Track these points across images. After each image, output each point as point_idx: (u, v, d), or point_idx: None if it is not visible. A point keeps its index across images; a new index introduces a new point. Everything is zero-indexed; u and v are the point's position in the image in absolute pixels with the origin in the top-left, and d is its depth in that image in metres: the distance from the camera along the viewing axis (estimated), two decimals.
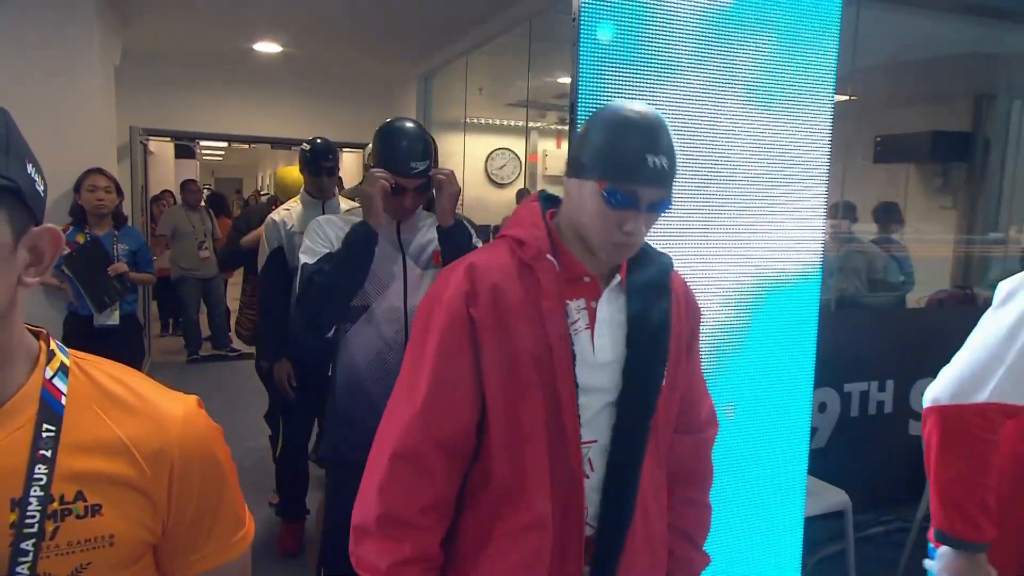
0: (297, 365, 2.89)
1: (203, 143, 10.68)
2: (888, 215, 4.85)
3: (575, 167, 1.15)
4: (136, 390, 0.78)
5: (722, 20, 1.71)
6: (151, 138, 7.06)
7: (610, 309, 1.19)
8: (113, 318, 3.37)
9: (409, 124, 1.87)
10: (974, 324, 1.42)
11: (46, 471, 0.69)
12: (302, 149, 3.02)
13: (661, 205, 1.12)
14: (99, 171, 3.47)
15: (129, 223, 3.83)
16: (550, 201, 1.26)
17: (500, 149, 7.68)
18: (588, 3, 1.60)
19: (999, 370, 1.29)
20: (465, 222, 1.96)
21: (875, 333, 3.51)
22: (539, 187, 7.20)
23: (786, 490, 1.96)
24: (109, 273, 3.35)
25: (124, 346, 3.40)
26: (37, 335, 0.76)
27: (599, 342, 1.17)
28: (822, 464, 2.63)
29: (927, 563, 1.41)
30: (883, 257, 4.72)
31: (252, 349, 6.71)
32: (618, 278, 1.20)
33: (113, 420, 0.75)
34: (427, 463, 1.11)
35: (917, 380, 3.45)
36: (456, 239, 1.83)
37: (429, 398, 1.11)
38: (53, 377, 0.73)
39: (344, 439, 1.87)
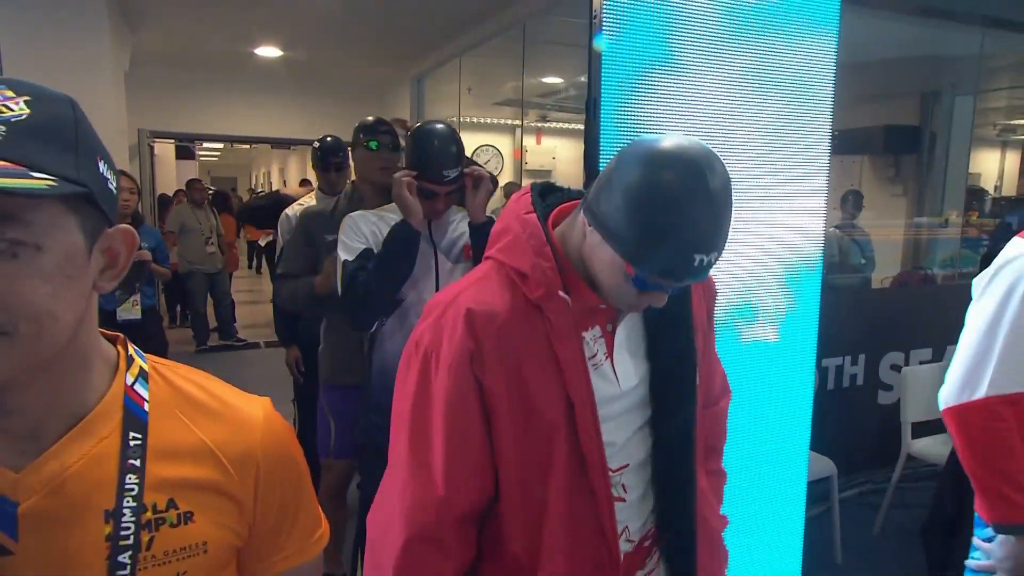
0: (306, 352, 2.85)
1: (201, 144, 10.46)
2: (855, 203, 4.89)
3: (597, 216, 0.87)
4: (215, 393, 0.72)
5: (729, 16, 1.67)
6: (156, 140, 6.88)
7: (627, 328, 0.99)
8: (134, 312, 3.26)
9: (440, 127, 1.77)
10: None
11: (137, 481, 0.62)
12: (313, 147, 2.97)
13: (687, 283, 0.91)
14: (123, 173, 3.39)
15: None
16: (544, 196, 1.01)
17: (484, 145, 7.61)
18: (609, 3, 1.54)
19: (990, 365, 1.27)
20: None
21: (847, 312, 3.52)
22: (522, 181, 7.15)
23: (790, 460, 1.95)
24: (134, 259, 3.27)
25: (148, 339, 3.30)
26: (114, 340, 0.69)
27: (621, 369, 0.97)
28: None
29: (970, 563, 1.37)
30: (847, 241, 4.76)
31: (258, 339, 6.59)
32: None
33: (197, 425, 0.68)
34: (446, 542, 0.92)
35: (885, 354, 3.49)
36: (488, 235, 1.77)
37: (448, 479, 0.90)
38: (134, 383, 0.66)
39: (378, 427, 1.81)
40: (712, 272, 0.90)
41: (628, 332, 0.98)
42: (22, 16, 3.21)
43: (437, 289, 1.80)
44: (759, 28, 1.70)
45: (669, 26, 1.60)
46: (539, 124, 7.74)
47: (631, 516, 1.00)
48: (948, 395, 1.31)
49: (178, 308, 7.50)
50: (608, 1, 1.54)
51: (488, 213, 1.85)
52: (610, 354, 0.96)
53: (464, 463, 0.92)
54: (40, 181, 0.53)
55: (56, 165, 0.55)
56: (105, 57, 3.64)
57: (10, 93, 0.56)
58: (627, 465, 0.99)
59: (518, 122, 7.18)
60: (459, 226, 1.87)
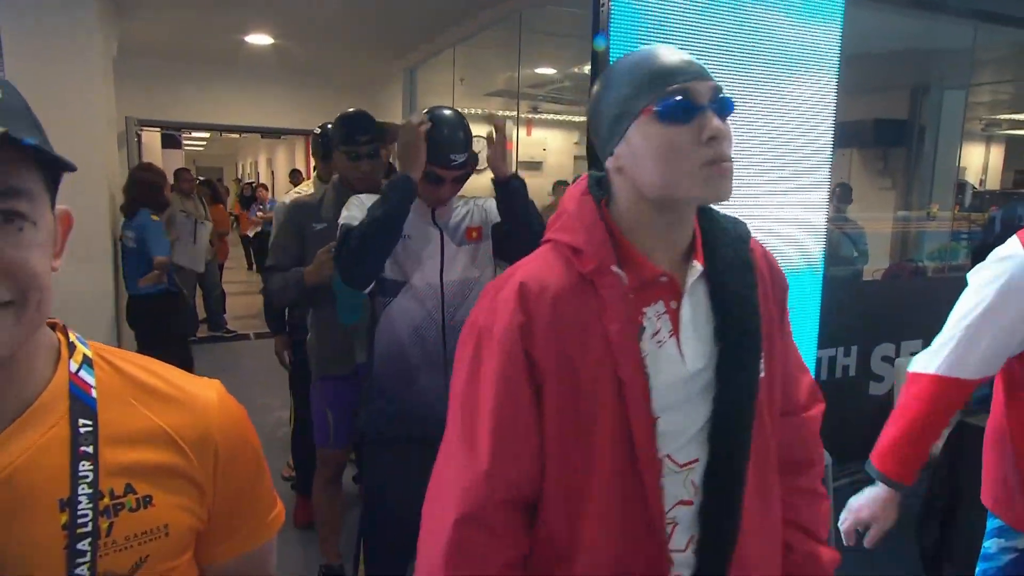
0: (296, 344, 2.85)
1: (186, 132, 10.34)
2: (842, 195, 4.92)
3: (609, 136, 0.91)
4: (166, 378, 0.71)
5: (734, 7, 1.66)
6: (144, 129, 6.78)
7: (694, 305, 0.94)
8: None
9: (449, 113, 1.74)
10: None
11: (91, 468, 0.62)
12: (313, 134, 2.95)
13: (726, 101, 0.88)
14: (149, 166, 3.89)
15: None
16: (600, 186, 0.98)
17: (475, 136, 7.56)
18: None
19: (948, 346, 1.32)
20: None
21: (840, 303, 3.55)
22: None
23: None
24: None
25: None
26: (53, 326, 0.68)
27: (688, 349, 0.92)
28: None
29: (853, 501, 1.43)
30: (838, 234, 4.79)
31: (248, 330, 6.54)
32: (698, 268, 0.93)
33: (151, 410, 0.68)
34: (497, 525, 0.89)
35: (877, 345, 3.52)
36: (515, 197, 1.71)
37: (493, 454, 0.88)
38: (79, 370, 0.65)
39: (381, 412, 1.79)
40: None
41: (694, 310, 0.93)
42: (9, 2, 3.14)
43: (442, 271, 1.77)
44: (766, 15, 1.70)
45: (670, 20, 1.59)
46: (530, 116, 7.70)
47: (694, 526, 0.92)
48: (915, 361, 1.39)
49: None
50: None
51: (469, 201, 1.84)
52: (676, 332, 0.92)
53: (512, 439, 0.89)
54: (48, 150, 0.56)
55: (38, 140, 0.57)
56: (94, 44, 3.58)
57: None
58: (697, 460, 0.91)
59: (511, 113, 7.15)
60: (461, 211, 1.85)
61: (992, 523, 1.34)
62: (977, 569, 1.41)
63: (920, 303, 3.82)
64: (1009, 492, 1.33)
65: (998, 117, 9.42)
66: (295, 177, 9.15)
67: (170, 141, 9.97)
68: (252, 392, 4.30)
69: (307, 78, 6.79)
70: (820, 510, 1.06)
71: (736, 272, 0.95)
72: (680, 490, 0.92)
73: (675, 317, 0.92)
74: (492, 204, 1.85)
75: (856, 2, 3.87)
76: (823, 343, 3.38)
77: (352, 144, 2.13)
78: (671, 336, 0.91)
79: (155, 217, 3.71)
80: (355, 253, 1.65)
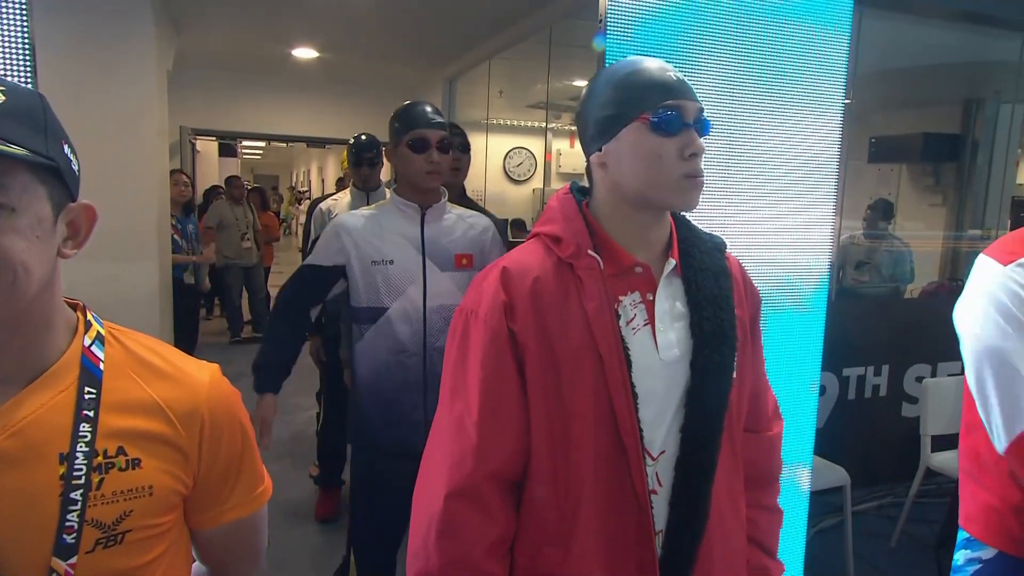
0: (328, 341, 2.94)
1: (244, 142, 10.72)
2: (883, 212, 4.78)
3: (598, 135, 0.97)
4: (167, 358, 0.80)
5: (739, 23, 1.67)
6: (198, 137, 7.08)
7: (669, 299, 0.99)
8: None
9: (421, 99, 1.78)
10: None
11: (90, 429, 0.71)
12: (348, 144, 3.08)
13: (705, 124, 0.96)
14: (178, 171, 4.49)
15: None
16: (584, 193, 1.06)
17: (517, 148, 7.65)
18: (614, 6, 1.56)
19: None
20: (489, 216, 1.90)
21: (872, 321, 3.45)
22: (554, 185, 7.16)
23: (793, 468, 1.92)
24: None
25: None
26: (74, 307, 0.78)
27: (662, 338, 0.96)
28: (821, 443, 2.59)
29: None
30: (878, 250, 4.65)
31: None
32: (672, 263, 0.99)
33: (148, 384, 0.76)
34: (486, 500, 0.92)
35: (911, 365, 3.40)
36: None
37: (481, 429, 0.92)
38: (91, 345, 0.75)
39: (362, 430, 1.80)
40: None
41: (669, 304, 0.99)
42: (69, 18, 3.35)
43: (425, 297, 1.73)
44: (770, 32, 1.69)
45: (673, 29, 1.61)
46: (572, 127, 7.74)
47: (660, 514, 0.96)
48: (998, 440, 1.16)
49: (215, 300, 7.72)
50: (613, 4, 1.56)
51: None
52: (651, 322, 0.97)
53: (498, 412, 0.93)
54: (17, 149, 0.63)
55: (29, 141, 0.65)
56: (150, 57, 3.77)
57: None
58: (664, 452, 0.96)
59: (549, 125, 7.19)
60: (454, 229, 1.80)
61: (961, 534, 1.31)
62: None
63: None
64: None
65: None
66: (341, 185, 9.39)
67: (227, 150, 10.37)
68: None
69: (350, 89, 6.99)
70: (775, 527, 1.13)
71: (710, 274, 1.01)
72: (650, 480, 0.96)
73: (651, 308, 0.98)
74: (489, 230, 1.84)
75: (896, 16, 3.79)
76: (851, 361, 3.30)
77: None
78: (646, 325, 0.97)
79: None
80: (271, 324, 1.81)
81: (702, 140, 0.95)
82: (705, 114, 0.97)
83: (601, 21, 1.57)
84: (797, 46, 1.73)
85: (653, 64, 0.97)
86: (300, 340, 1.80)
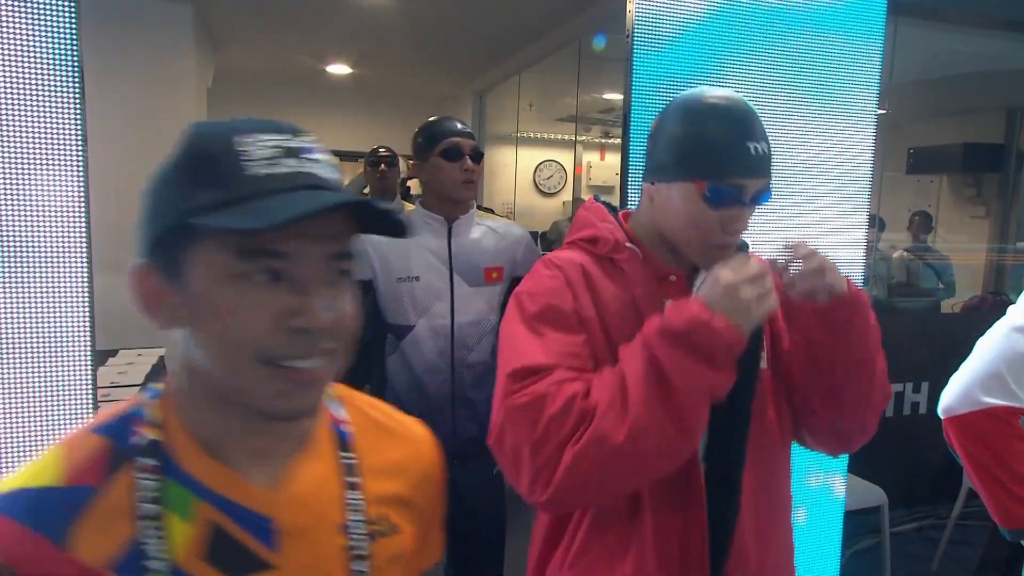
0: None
1: None
2: (922, 224, 4.67)
3: (656, 170, 0.97)
4: (390, 415, 0.77)
5: (769, 34, 1.66)
6: None
7: None
8: None
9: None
10: None
11: (359, 496, 0.68)
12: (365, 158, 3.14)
13: (765, 195, 0.93)
14: None
15: None
16: (609, 206, 1.08)
17: (547, 161, 7.66)
18: (641, 21, 1.56)
19: (996, 377, 1.28)
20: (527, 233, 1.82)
21: (911, 336, 3.36)
22: (584, 197, 7.16)
23: (827, 486, 1.88)
24: None
25: None
26: None
27: None
28: (858, 462, 2.53)
29: None
30: (917, 264, 4.54)
31: None
32: (704, 274, 0.98)
33: (387, 445, 0.73)
34: (555, 373, 0.89)
35: None
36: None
37: (548, 353, 0.90)
38: (331, 406, 0.72)
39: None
40: None
41: None
42: (114, 40, 3.47)
43: (453, 313, 1.69)
44: (801, 44, 1.68)
45: (700, 41, 1.61)
46: (602, 140, 7.74)
47: None
48: (951, 403, 1.37)
49: None
50: (640, 20, 1.56)
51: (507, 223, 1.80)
52: None
53: (567, 348, 0.91)
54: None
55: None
56: (190, 74, 3.89)
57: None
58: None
59: (580, 137, 7.20)
60: (482, 241, 1.75)
61: None
62: None
63: None
64: None
65: None
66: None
67: None
68: None
69: (382, 104, 7.10)
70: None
71: None
72: None
73: None
74: (522, 241, 1.79)
75: (937, 25, 3.72)
76: (888, 377, 3.20)
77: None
78: None
79: None
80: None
81: (750, 210, 0.94)
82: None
83: (628, 36, 1.58)
84: (828, 57, 1.71)
85: (734, 122, 0.91)
86: None
